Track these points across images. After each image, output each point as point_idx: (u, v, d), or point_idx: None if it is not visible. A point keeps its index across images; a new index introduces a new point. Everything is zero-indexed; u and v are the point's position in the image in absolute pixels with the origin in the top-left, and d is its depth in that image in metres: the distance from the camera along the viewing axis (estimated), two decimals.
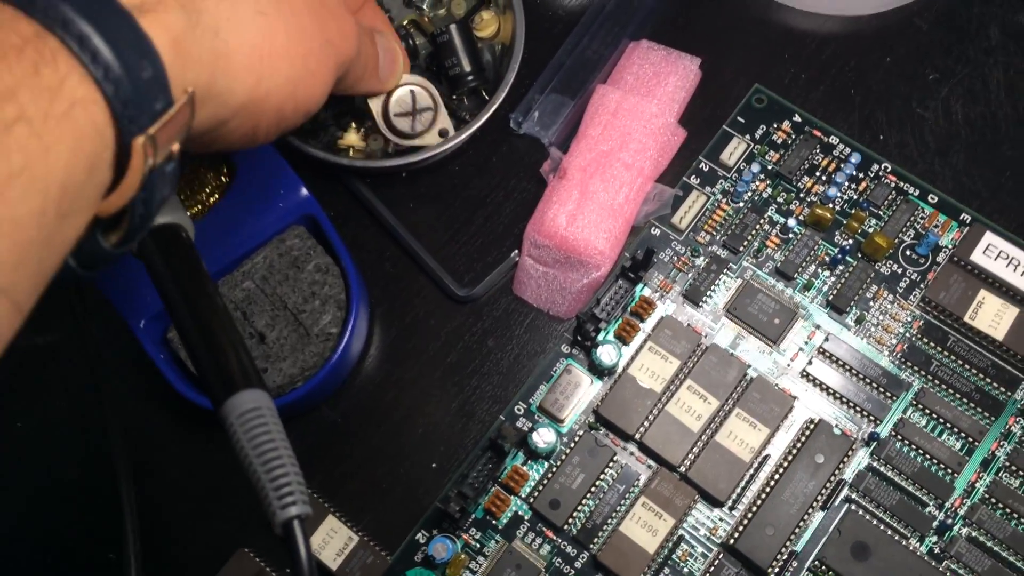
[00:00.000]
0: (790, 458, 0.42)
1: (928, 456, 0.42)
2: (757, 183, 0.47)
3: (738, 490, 0.42)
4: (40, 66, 0.22)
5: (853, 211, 0.46)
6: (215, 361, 0.29)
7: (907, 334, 0.44)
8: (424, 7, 0.50)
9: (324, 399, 0.45)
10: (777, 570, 0.40)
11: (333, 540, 0.43)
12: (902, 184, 0.46)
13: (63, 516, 0.45)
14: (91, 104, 0.23)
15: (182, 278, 0.31)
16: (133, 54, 0.24)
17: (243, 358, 0.29)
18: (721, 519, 0.42)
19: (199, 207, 0.45)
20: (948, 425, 0.42)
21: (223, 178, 0.45)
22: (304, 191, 0.44)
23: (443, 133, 0.46)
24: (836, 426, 0.42)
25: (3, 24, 0.22)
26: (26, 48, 0.22)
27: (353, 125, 0.48)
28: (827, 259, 0.45)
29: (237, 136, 0.31)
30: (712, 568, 0.41)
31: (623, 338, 0.44)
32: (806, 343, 0.44)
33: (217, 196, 0.45)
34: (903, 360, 0.43)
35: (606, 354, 0.43)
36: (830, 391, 0.43)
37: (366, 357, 0.46)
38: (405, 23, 0.49)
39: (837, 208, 0.46)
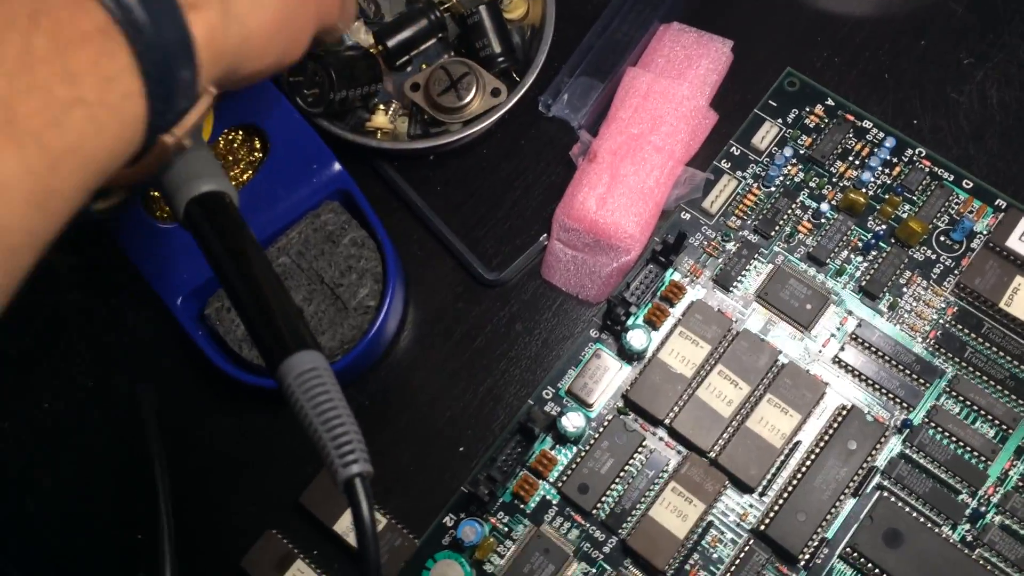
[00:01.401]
0: (822, 444, 0.41)
1: (961, 443, 0.41)
2: (789, 167, 0.46)
3: (769, 476, 0.41)
4: (103, 55, 0.24)
5: (887, 196, 0.45)
6: (270, 324, 0.29)
7: (941, 320, 0.43)
8: None
9: (360, 375, 0.45)
10: (808, 557, 0.40)
11: (374, 506, 0.42)
12: (936, 169, 0.46)
13: (93, 496, 0.45)
14: (136, 97, 0.25)
15: (232, 243, 0.31)
16: (180, 56, 0.26)
17: (296, 320, 0.29)
18: (751, 505, 0.41)
19: (233, 183, 0.45)
20: (982, 412, 0.42)
21: (256, 154, 0.45)
22: (337, 166, 0.44)
23: (496, 92, 0.46)
24: (868, 413, 0.42)
25: (79, 8, 0.24)
26: (94, 36, 0.23)
27: (381, 107, 0.47)
28: (860, 244, 0.45)
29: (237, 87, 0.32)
30: (742, 554, 0.41)
31: (653, 323, 0.44)
32: (838, 329, 0.44)
33: (251, 172, 0.45)
34: (936, 347, 0.43)
35: (636, 338, 0.43)
36: (862, 377, 0.43)
37: (402, 333, 0.46)
38: (437, 2, 0.49)
39: (870, 193, 0.46)
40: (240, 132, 0.46)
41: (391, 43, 0.47)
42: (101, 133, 0.24)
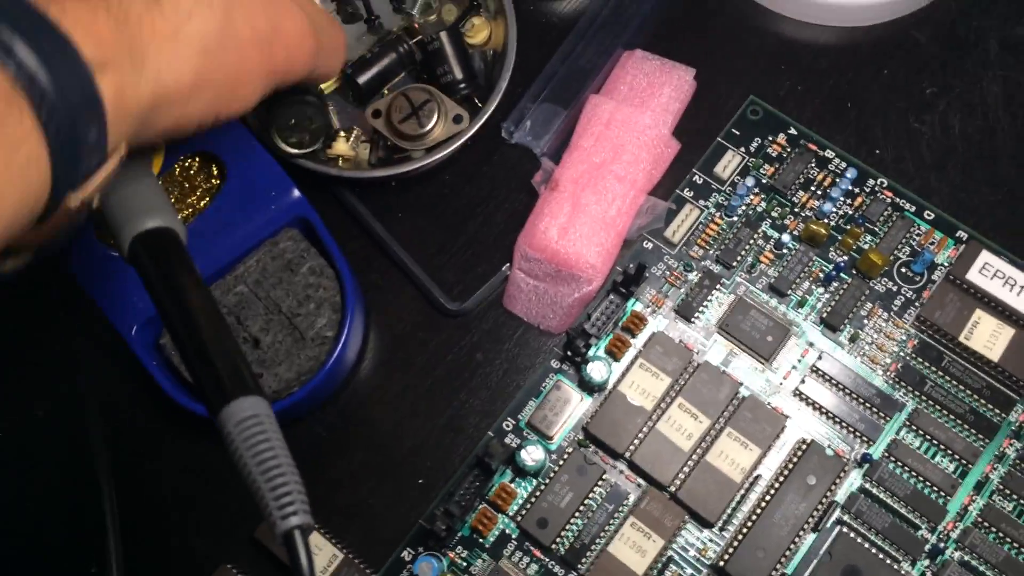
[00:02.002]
0: (781, 479, 0.41)
1: (921, 478, 0.41)
2: (751, 197, 0.46)
3: (728, 511, 0.41)
4: (7, 121, 0.23)
5: (848, 227, 0.45)
6: (210, 368, 0.28)
7: (901, 353, 0.43)
8: (415, 13, 0.49)
9: (318, 406, 0.44)
10: None
11: (317, 557, 0.42)
12: (898, 200, 0.46)
13: (45, 527, 0.44)
14: (41, 160, 0.24)
15: (174, 284, 0.30)
16: (86, 118, 0.25)
17: (239, 364, 0.29)
18: (711, 540, 0.41)
19: (189, 211, 0.44)
20: (942, 447, 0.42)
21: (213, 180, 0.45)
22: (296, 192, 0.44)
23: (458, 119, 0.46)
24: (828, 446, 0.42)
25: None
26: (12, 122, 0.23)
27: (343, 134, 0.47)
28: (821, 275, 0.45)
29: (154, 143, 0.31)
30: None
31: (614, 354, 0.44)
32: (799, 361, 0.43)
33: (207, 199, 0.44)
34: (897, 380, 0.43)
35: (596, 370, 0.43)
36: (823, 410, 0.43)
37: (361, 363, 0.46)
38: (395, 29, 0.49)
39: (832, 223, 0.45)
40: (196, 159, 0.45)
41: (362, 80, 0.46)
42: (3, 198, 0.23)
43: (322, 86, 0.47)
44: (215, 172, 0.45)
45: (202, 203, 0.44)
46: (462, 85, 0.47)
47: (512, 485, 0.42)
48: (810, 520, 0.40)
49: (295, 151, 0.44)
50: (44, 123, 0.24)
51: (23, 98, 0.24)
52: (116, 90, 0.26)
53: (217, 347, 0.29)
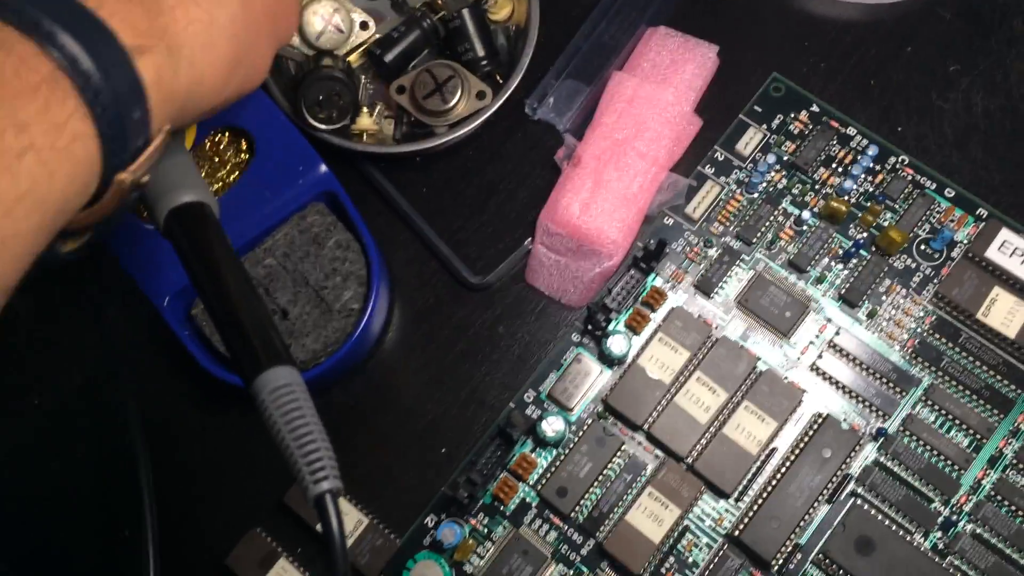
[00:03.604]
0: (797, 452, 0.42)
1: (935, 452, 0.42)
2: (772, 174, 0.47)
3: (744, 482, 0.42)
4: (51, 103, 0.24)
5: (868, 204, 0.45)
6: (244, 339, 0.29)
7: (919, 329, 0.44)
8: None
9: (344, 376, 0.46)
10: (781, 562, 0.41)
11: (343, 521, 0.43)
12: (919, 177, 0.46)
13: (79, 493, 0.46)
14: (88, 139, 0.25)
15: (209, 257, 0.31)
16: (129, 98, 0.26)
17: (272, 335, 0.30)
18: (727, 510, 0.42)
19: (219, 185, 0.45)
20: (957, 422, 0.42)
21: (242, 155, 0.46)
22: (323, 167, 0.45)
23: (481, 95, 0.46)
24: (844, 420, 0.43)
25: (25, 60, 0.24)
26: (41, 86, 0.24)
27: (366, 110, 0.48)
28: (840, 252, 0.45)
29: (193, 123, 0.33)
30: (716, 559, 0.41)
31: (634, 328, 0.45)
32: (817, 336, 0.44)
33: (237, 174, 0.45)
34: (914, 356, 0.43)
35: (616, 344, 0.44)
36: (839, 385, 0.43)
37: (386, 335, 0.47)
38: (419, 6, 0.49)
39: (852, 201, 0.46)
40: (226, 134, 0.46)
41: (388, 58, 0.47)
42: (54, 177, 0.24)
43: (349, 59, 0.47)
44: (244, 147, 0.46)
45: (231, 177, 0.45)
46: (484, 62, 0.47)
47: (533, 455, 0.43)
48: (824, 492, 0.41)
49: (324, 126, 0.45)
50: (90, 103, 0.25)
51: (67, 81, 0.25)
52: (155, 75, 0.27)
53: (250, 319, 0.30)
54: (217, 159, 0.46)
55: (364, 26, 0.48)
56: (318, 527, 0.43)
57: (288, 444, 0.28)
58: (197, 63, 0.29)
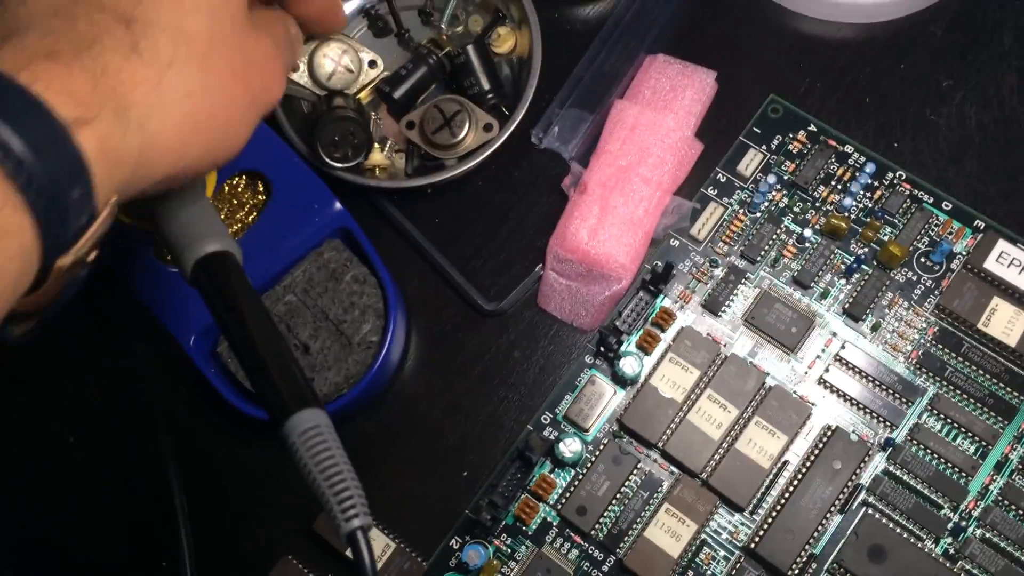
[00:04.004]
0: (808, 464, 0.43)
1: (943, 460, 0.43)
2: (773, 193, 0.48)
3: (758, 496, 0.43)
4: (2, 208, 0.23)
5: (868, 220, 0.47)
6: (272, 385, 0.31)
7: (922, 340, 0.45)
8: (442, 26, 0.51)
9: (366, 405, 0.47)
10: (796, 573, 0.42)
11: (374, 554, 0.45)
12: (916, 192, 0.47)
13: (117, 528, 0.47)
14: (24, 231, 0.24)
15: (235, 305, 0.32)
16: (69, 177, 0.24)
17: (298, 378, 0.31)
18: (742, 524, 0.43)
19: (239, 226, 0.47)
20: (962, 429, 0.43)
21: (259, 196, 0.47)
22: (338, 205, 0.46)
23: (488, 127, 0.48)
24: (853, 432, 0.44)
25: None
26: None
27: (377, 146, 0.49)
28: (843, 268, 0.46)
29: (150, 195, 0.31)
30: (734, 571, 0.43)
31: (645, 348, 0.46)
32: (823, 351, 0.45)
33: (255, 215, 0.47)
34: (918, 366, 0.45)
35: (628, 365, 0.45)
36: (847, 398, 0.44)
37: (404, 364, 0.48)
38: (425, 42, 0.51)
39: (852, 217, 0.47)
40: (243, 177, 0.47)
41: (397, 94, 0.48)
42: None
43: (359, 97, 0.49)
44: (260, 188, 0.47)
45: (250, 218, 0.47)
46: (490, 95, 0.49)
47: (552, 475, 0.45)
48: (836, 503, 0.43)
49: (340, 165, 0.47)
50: (23, 189, 0.23)
51: (8, 182, 0.23)
52: (100, 144, 0.25)
53: (277, 365, 0.31)
54: (236, 201, 0.47)
55: (372, 64, 0.49)
56: (348, 552, 0.44)
57: (319, 484, 0.29)
58: (147, 126, 0.27)
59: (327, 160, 0.46)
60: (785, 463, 0.44)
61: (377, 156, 0.49)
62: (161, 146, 0.28)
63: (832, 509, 0.43)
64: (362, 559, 0.29)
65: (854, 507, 0.43)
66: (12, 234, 0.23)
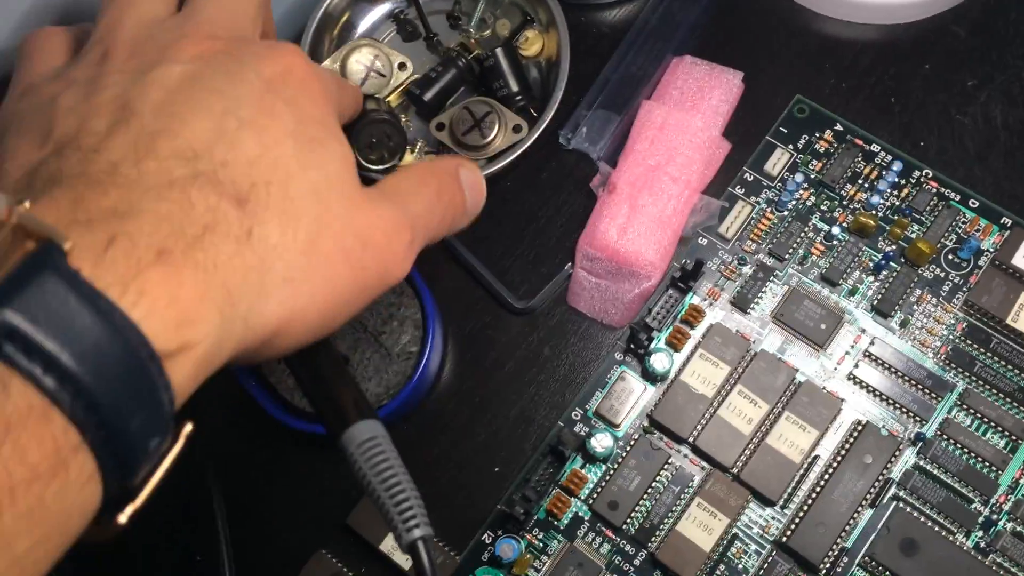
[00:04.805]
0: (839, 459, 0.44)
1: (973, 454, 0.43)
2: (801, 192, 0.48)
3: (789, 490, 0.44)
4: (70, 461, 0.21)
5: (896, 217, 0.47)
6: (330, 398, 0.31)
7: (951, 336, 0.45)
8: (471, 29, 0.52)
9: (407, 414, 0.48)
10: (828, 566, 0.42)
11: (436, 564, 0.45)
12: (943, 190, 0.48)
13: (158, 524, 0.48)
14: (97, 487, 0.22)
15: None
16: (149, 435, 0.22)
17: (354, 391, 0.31)
18: (773, 518, 0.44)
19: None
20: (992, 424, 0.44)
21: None
22: None
23: (517, 128, 0.49)
24: (883, 427, 0.44)
25: (37, 419, 0.20)
26: (63, 454, 0.21)
27: (408, 148, 0.50)
28: (871, 265, 0.47)
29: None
30: (766, 565, 0.43)
31: (674, 345, 0.46)
32: (852, 347, 0.46)
33: None
34: (947, 362, 0.45)
35: (659, 361, 0.45)
36: (876, 393, 0.45)
37: (442, 372, 0.49)
38: (453, 45, 0.51)
39: (880, 215, 0.48)
40: None
41: (427, 97, 0.49)
42: (64, 524, 0.21)
43: (388, 99, 0.50)
44: None
45: None
46: (519, 97, 0.50)
47: (583, 471, 0.45)
48: (868, 497, 0.43)
49: (377, 167, 0.47)
50: (102, 467, 0.21)
51: (87, 447, 0.21)
52: (194, 371, 0.23)
53: (334, 380, 0.32)
54: None
55: (403, 67, 0.50)
56: (380, 547, 0.45)
57: (380, 495, 0.29)
58: (250, 319, 0.25)
59: (363, 163, 0.47)
60: (816, 458, 0.44)
61: (408, 158, 0.50)
62: (256, 338, 0.26)
63: (863, 503, 0.43)
64: (423, 568, 0.29)
65: (885, 501, 0.43)
66: (89, 490, 0.22)
